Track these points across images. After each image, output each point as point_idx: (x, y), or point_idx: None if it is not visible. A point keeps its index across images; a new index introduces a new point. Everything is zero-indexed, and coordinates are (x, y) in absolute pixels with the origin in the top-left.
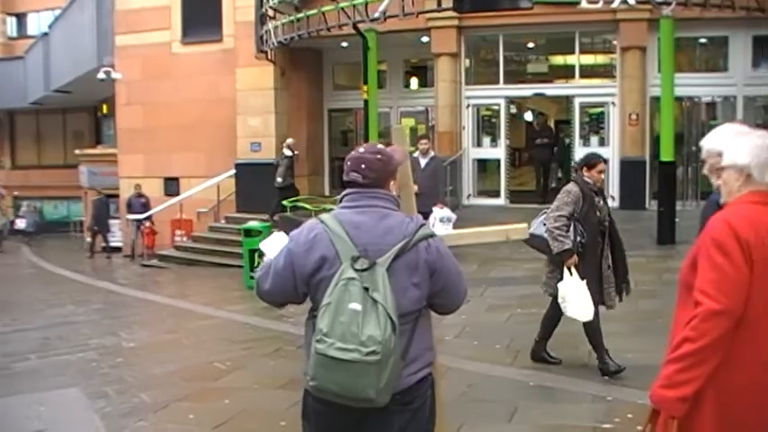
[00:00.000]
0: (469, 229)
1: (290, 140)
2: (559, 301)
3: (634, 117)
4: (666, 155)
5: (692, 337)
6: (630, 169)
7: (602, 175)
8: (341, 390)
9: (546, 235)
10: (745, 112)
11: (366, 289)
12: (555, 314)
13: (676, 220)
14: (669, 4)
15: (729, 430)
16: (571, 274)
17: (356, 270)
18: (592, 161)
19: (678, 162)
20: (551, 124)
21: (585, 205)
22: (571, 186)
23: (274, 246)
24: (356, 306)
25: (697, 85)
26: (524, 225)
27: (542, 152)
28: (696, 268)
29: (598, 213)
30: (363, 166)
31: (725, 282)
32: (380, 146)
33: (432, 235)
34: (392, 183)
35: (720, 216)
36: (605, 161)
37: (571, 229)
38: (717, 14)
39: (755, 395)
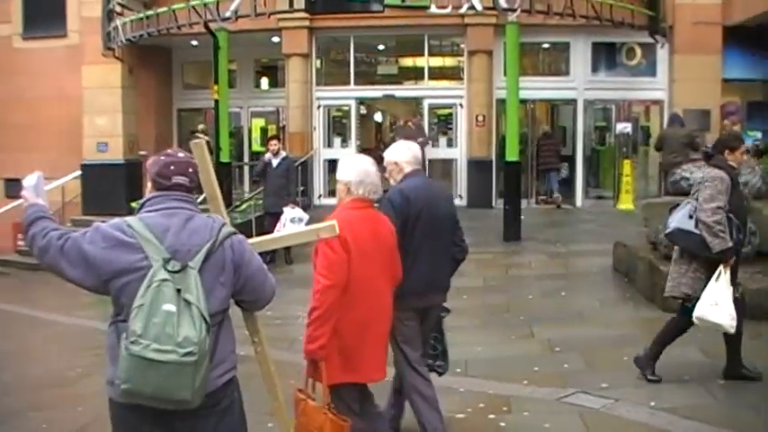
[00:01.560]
0: (280, 232)
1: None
2: (706, 304)
3: (481, 119)
4: (512, 155)
5: (316, 306)
6: (477, 169)
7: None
8: (156, 391)
9: (698, 230)
10: (585, 114)
11: (179, 290)
12: (683, 323)
13: (521, 217)
14: (514, 10)
15: (347, 358)
16: (725, 274)
17: (168, 272)
18: (734, 143)
19: (523, 162)
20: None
21: (735, 195)
22: (719, 173)
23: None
24: (170, 307)
25: (540, 89)
26: (333, 222)
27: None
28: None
29: (745, 203)
30: (191, 170)
31: (332, 265)
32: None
33: (234, 233)
34: None
35: (332, 216)
36: None
37: (724, 222)
38: (559, 21)
39: (357, 335)
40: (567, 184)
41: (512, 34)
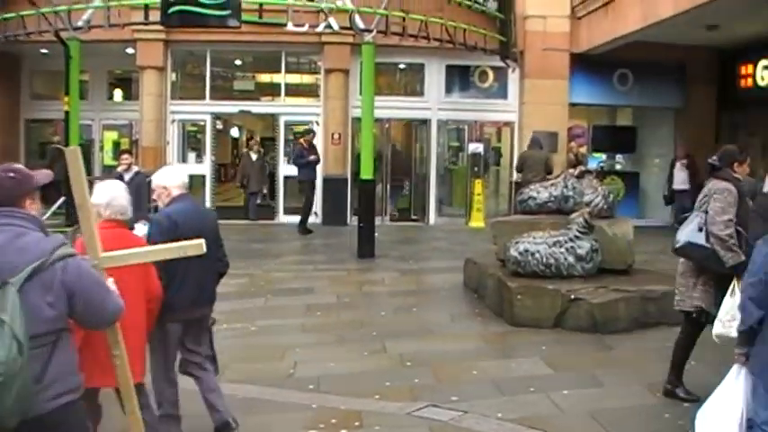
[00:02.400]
0: (147, 247)
1: None
2: (725, 320)
3: (337, 136)
4: (366, 173)
5: None
6: (333, 186)
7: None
8: None
9: (710, 244)
10: (438, 133)
11: None
12: (690, 339)
13: (375, 234)
14: (370, 31)
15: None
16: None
17: None
18: (740, 156)
19: (378, 180)
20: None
21: (742, 207)
22: (727, 185)
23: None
24: None
25: (396, 108)
26: (201, 241)
27: (311, 172)
28: None
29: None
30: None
31: None
32: (17, 165)
33: (71, 254)
34: (29, 202)
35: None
36: None
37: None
38: (414, 43)
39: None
40: (419, 202)
41: (368, 54)
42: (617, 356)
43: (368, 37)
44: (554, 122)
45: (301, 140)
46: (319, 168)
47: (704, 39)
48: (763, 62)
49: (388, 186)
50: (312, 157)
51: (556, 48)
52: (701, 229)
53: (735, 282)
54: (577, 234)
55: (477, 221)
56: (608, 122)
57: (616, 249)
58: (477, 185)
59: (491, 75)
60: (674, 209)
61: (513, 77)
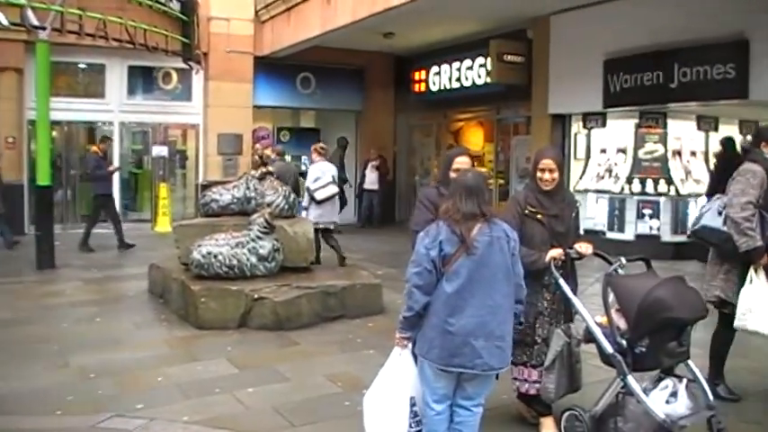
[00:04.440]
0: None
1: None
2: (740, 311)
3: (11, 140)
4: (43, 179)
5: None
6: (9, 193)
7: None
8: None
9: (726, 227)
10: (121, 136)
11: None
12: (728, 334)
13: (56, 243)
14: (44, 28)
15: None
16: (758, 276)
17: None
18: None
19: (57, 185)
20: None
21: None
22: (752, 166)
23: None
24: None
25: (76, 110)
26: None
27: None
28: None
29: None
30: None
31: None
32: None
33: None
34: None
35: None
36: None
37: (756, 219)
38: (92, 43)
39: None
40: None
41: (42, 53)
42: (301, 351)
43: (42, 34)
44: (239, 125)
45: (95, 148)
46: None
47: (382, 45)
48: (434, 68)
49: (69, 192)
50: (111, 168)
51: (240, 50)
52: (720, 213)
53: (752, 270)
54: (259, 234)
55: (164, 226)
56: (292, 124)
57: (297, 248)
58: (163, 189)
59: (175, 76)
60: (362, 208)
61: (197, 79)
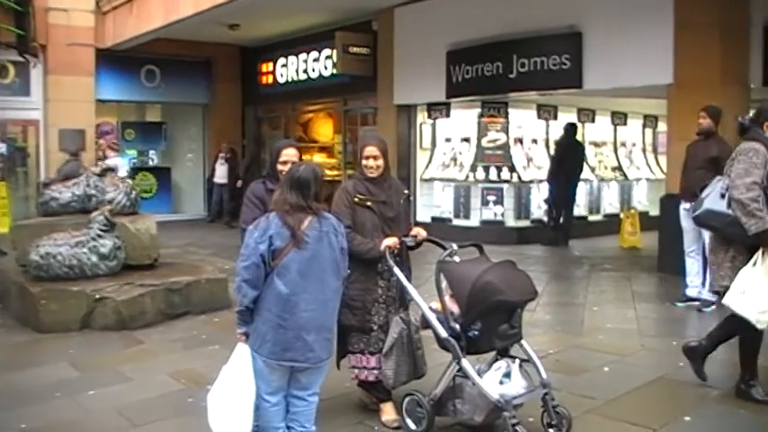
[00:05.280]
0: None
1: None
2: (735, 291)
3: None
4: None
5: None
6: None
7: None
8: None
9: (731, 210)
10: None
11: None
12: (755, 334)
13: None
14: None
15: None
16: (765, 260)
17: None
18: None
19: None
20: None
21: None
22: (753, 144)
23: None
24: None
25: None
26: None
27: None
28: None
29: None
30: None
31: None
32: None
33: None
34: None
35: None
36: None
37: (762, 200)
38: None
39: None
40: None
41: None
42: (145, 350)
43: None
44: (81, 120)
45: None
46: None
47: (228, 37)
48: (281, 60)
49: None
50: None
51: (81, 43)
52: (723, 195)
53: (759, 252)
54: (99, 233)
55: (3, 227)
56: (137, 119)
57: (140, 245)
58: (1, 188)
59: (12, 70)
60: (212, 202)
61: (36, 73)
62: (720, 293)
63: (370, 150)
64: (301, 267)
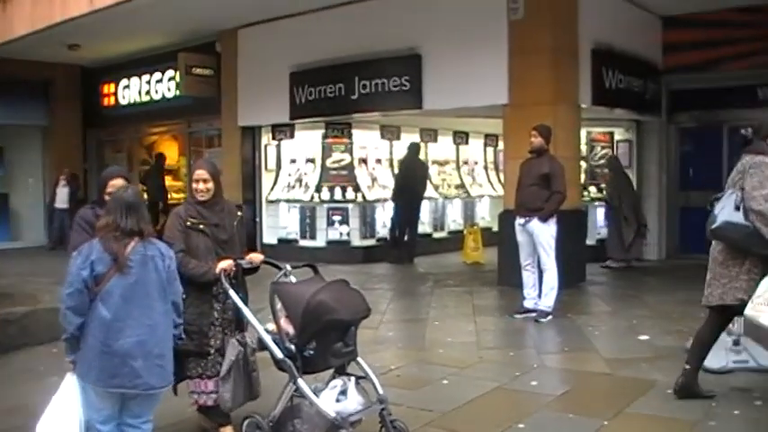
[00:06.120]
0: None
1: None
2: (758, 302)
3: None
4: None
5: None
6: None
7: None
8: None
9: (749, 221)
10: None
11: None
12: (716, 334)
13: None
14: None
15: None
16: None
17: None
18: None
19: None
20: None
21: None
22: (763, 158)
23: None
24: None
25: None
26: None
27: None
28: None
29: None
30: None
31: None
32: None
33: None
34: None
35: None
36: None
37: None
38: None
39: None
40: None
41: None
42: None
43: None
44: None
45: None
46: None
47: (68, 57)
48: (123, 81)
49: None
50: None
51: None
52: (738, 208)
53: None
54: None
55: None
56: None
57: None
58: None
59: None
60: (53, 229)
61: None
62: (736, 308)
63: (200, 174)
64: (125, 292)
